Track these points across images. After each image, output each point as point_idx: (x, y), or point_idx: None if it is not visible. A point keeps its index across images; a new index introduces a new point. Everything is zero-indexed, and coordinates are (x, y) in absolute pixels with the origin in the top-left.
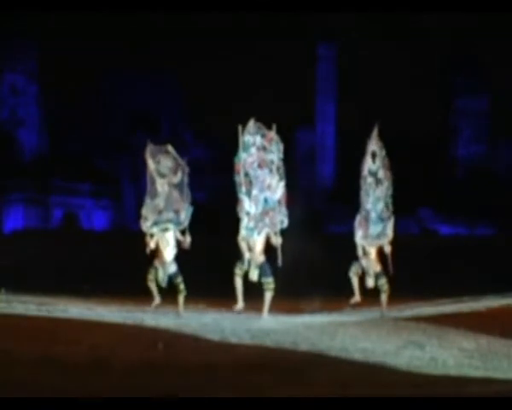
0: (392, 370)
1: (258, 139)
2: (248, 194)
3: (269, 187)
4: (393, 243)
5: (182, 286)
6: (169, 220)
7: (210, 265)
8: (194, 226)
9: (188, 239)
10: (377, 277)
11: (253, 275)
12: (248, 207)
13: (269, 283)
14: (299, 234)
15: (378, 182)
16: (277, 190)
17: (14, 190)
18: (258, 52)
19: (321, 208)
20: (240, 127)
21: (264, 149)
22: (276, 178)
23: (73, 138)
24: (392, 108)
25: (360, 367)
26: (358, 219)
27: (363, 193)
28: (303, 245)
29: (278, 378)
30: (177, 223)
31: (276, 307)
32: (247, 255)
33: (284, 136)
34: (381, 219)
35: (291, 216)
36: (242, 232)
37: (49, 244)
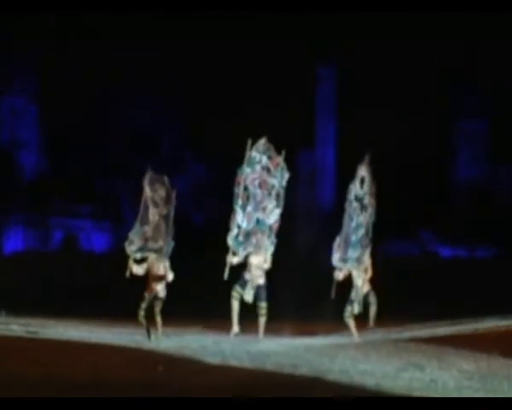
0: (392, 392)
1: (265, 159)
2: (243, 208)
3: (264, 209)
4: (394, 264)
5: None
6: (154, 250)
7: (209, 286)
8: (193, 247)
9: (170, 275)
10: (366, 296)
11: (249, 295)
12: (241, 221)
13: (262, 308)
14: (300, 257)
15: (363, 208)
16: (271, 215)
17: (14, 211)
18: (258, 74)
19: (320, 231)
20: (249, 141)
21: (268, 170)
22: (274, 203)
23: (73, 160)
24: (392, 130)
25: (359, 390)
26: (338, 241)
27: (346, 216)
28: (302, 268)
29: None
30: (160, 254)
31: (276, 329)
32: (232, 259)
33: (284, 158)
34: (361, 245)
35: (291, 239)
36: (229, 242)
37: (49, 266)
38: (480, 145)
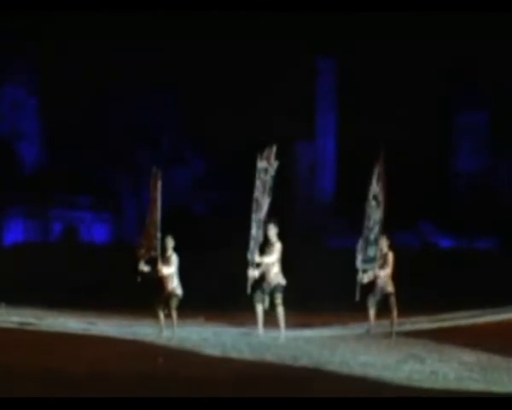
0: (392, 383)
1: (265, 163)
2: (255, 219)
3: (261, 207)
4: (394, 256)
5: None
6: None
7: (209, 279)
8: (194, 241)
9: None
10: (387, 296)
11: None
12: (254, 232)
13: (277, 297)
14: (300, 248)
15: (378, 205)
16: (264, 206)
17: (14, 203)
18: (258, 66)
19: (320, 223)
20: (258, 155)
21: (265, 171)
22: (266, 195)
23: (74, 152)
24: (392, 122)
25: (360, 382)
26: (360, 243)
27: (366, 217)
28: (303, 259)
29: (277, 393)
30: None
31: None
32: (252, 273)
33: (284, 150)
34: (376, 242)
35: (291, 231)
36: (248, 256)
37: (49, 258)
38: (480, 137)
